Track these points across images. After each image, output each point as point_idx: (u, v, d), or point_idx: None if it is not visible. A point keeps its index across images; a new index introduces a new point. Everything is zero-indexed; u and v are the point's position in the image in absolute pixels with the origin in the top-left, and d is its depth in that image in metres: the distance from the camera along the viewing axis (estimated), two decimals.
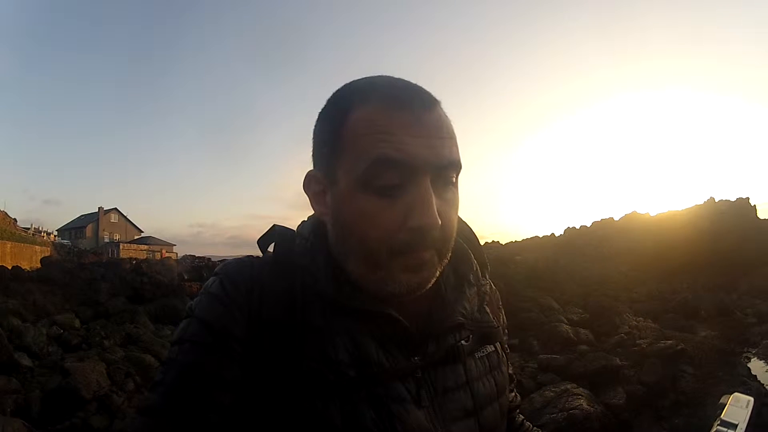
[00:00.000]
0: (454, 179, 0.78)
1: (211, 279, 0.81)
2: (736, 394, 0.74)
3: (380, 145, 0.72)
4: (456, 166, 0.77)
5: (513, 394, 1.02)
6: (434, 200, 0.72)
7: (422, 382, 0.77)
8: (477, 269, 0.92)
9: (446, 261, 0.80)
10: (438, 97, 0.80)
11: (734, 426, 0.68)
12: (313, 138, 0.85)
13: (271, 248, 0.86)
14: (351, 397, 0.72)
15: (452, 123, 0.80)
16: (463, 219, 0.95)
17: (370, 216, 0.73)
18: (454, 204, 0.79)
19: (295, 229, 0.89)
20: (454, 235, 0.80)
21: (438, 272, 0.79)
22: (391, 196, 0.73)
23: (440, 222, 0.73)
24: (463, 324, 0.83)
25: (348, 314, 0.76)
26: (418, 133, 0.73)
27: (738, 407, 0.71)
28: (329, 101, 0.83)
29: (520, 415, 1.06)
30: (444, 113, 0.79)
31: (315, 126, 0.84)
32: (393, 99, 0.75)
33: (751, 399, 0.72)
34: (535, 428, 1.04)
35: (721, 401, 0.74)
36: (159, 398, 0.72)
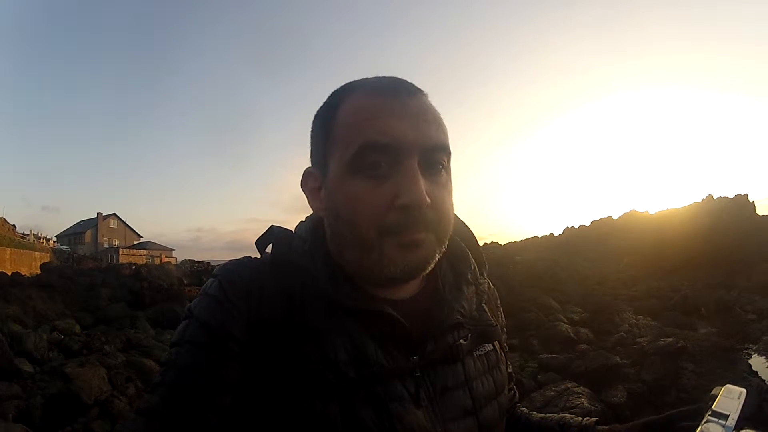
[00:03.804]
0: (444, 164, 0.80)
1: (210, 280, 0.81)
2: (728, 385, 0.74)
3: (367, 131, 0.75)
4: (443, 149, 0.79)
5: (512, 393, 1.04)
6: (422, 180, 0.74)
7: (421, 382, 0.78)
8: (475, 268, 0.93)
9: (445, 247, 0.81)
10: (436, 96, 0.82)
11: (725, 417, 0.68)
12: (310, 138, 0.87)
13: (269, 249, 0.86)
14: (350, 397, 0.72)
15: (441, 115, 0.82)
16: (461, 219, 0.96)
17: (358, 198, 0.75)
18: (446, 187, 0.80)
19: (293, 229, 0.90)
20: (451, 219, 0.81)
21: (437, 256, 0.79)
22: (379, 179, 0.74)
23: (429, 201, 0.74)
24: (461, 323, 0.84)
25: (347, 314, 0.76)
26: (402, 116, 0.75)
27: (730, 398, 0.71)
28: (323, 102, 0.85)
29: (521, 408, 1.08)
30: (430, 102, 0.81)
31: (312, 126, 0.87)
32: (378, 88, 0.79)
33: (744, 390, 0.72)
34: (533, 412, 1.06)
35: (713, 392, 0.73)
36: (158, 399, 0.72)
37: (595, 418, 0.96)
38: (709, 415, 0.69)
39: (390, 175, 0.74)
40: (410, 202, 0.72)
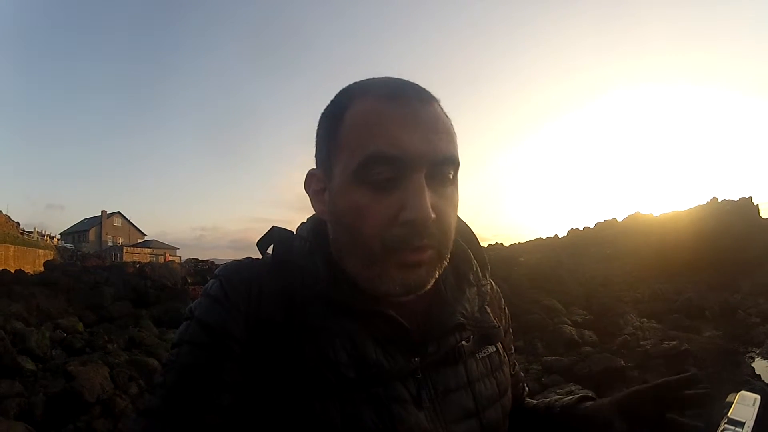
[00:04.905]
0: (451, 176, 0.77)
1: (211, 281, 0.80)
2: (742, 392, 0.74)
3: (374, 140, 0.72)
4: (453, 162, 0.76)
5: (525, 392, 1.06)
6: (428, 194, 0.72)
7: (423, 383, 0.77)
8: (477, 269, 0.92)
9: (446, 261, 0.79)
10: (438, 97, 0.80)
11: (742, 424, 0.67)
12: (316, 137, 0.85)
13: (270, 250, 0.86)
14: (350, 398, 0.71)
15: (452, 122, 0.79)
16: (463, 220, 0.95)
17: (363, 209, 0.73)
18: (452, 201, 0.78)
19: (294, 230, 0.89)
20: (453, 233, 0.79)
21: (437, 273, 0.78)
22: (385, 190, 0.72)
23: (434, 216, 0.72)
24: (463, 324, 0.83)
25: (347, 315, 0.76)
26: (413, 126, 0.73)
27: (745, 405, 0.70)
28: (330, 101, 0.83)
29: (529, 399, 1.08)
30: (442, 110, 0.79)
31: (317, 126, 0.85)
32: (389, 94, 0.75)
33: (758, 397, 0.72)
34: (528, 399, 1.07)
35: (727, 400, 0.73)
36: (159, 400, 0.72)
37: (579, 395, 0.96)
38: (725, 423, 0.68)
39: (396, 187, 0.73)
40: (415, 218, 0.71)
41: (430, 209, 0.71)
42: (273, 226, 0.88)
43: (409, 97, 0.75)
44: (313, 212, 0.87)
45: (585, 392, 0.98)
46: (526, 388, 1.08)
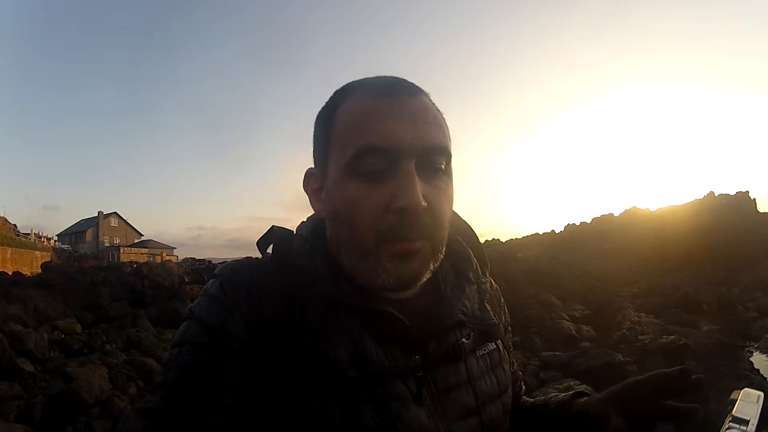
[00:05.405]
0: (443, 167, 0.78)
1: (211, 281, 0.81)
2: (746, 389, 0.74)
3: (364, 133, 0.74)
4: (443, 152, 0.77)
5: (521, 391, 1.06)
6: (419, 183, 0.73)
7: (423, 381, 0.77)
8: (477, 267, 0.92)
9: (441, 254, 0.80)
10: (435, 95, 0.81)
11: (746, 422, 0.68)
12: (313, 138, 0.86)
13: (270, 249, 0.86)
14: (351, 397, 0.71)
15: (443, 115, 0.81)
16: (462, 218, 0.95)
17: (356, 201, 0.74)
18: (445, 191, 0.78)
19: (294, 229, 0.89)
20: (447, 226, 0.80)
21: (432, 265, 0.78)
22: (377, 181, 0.74)
23: (426, 205, 0.73)
24: (463, 322, 0.83)
25: (347, 313, 0.76)
26: (401, 118, 0.74)
27: (749, 402, 0.71)
28: (325, 102, 0.84)
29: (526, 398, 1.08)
30: (431, 102, 0.80)
31: (314, 127, 0.86)
32: (377, 90, 0.77)
33: (761, 394, 0.72)
34: (524, 398, 1.07)
35: (731, 397, 0.73)
36: (160, 400, 0.72)
37: (573, 391, 0.96)
38: (730, 421, 0.68)
39: (387, 177, 0.74)
40: (406, 206, 0.71)
41: (421, 197, 0.72)
42: (273, 226, 0.89)
43: (397, 91, 0.77)
44: (313, 211, 0.88)
45: (580, 388, 0.97)
46: (523, 387, 1.08)
